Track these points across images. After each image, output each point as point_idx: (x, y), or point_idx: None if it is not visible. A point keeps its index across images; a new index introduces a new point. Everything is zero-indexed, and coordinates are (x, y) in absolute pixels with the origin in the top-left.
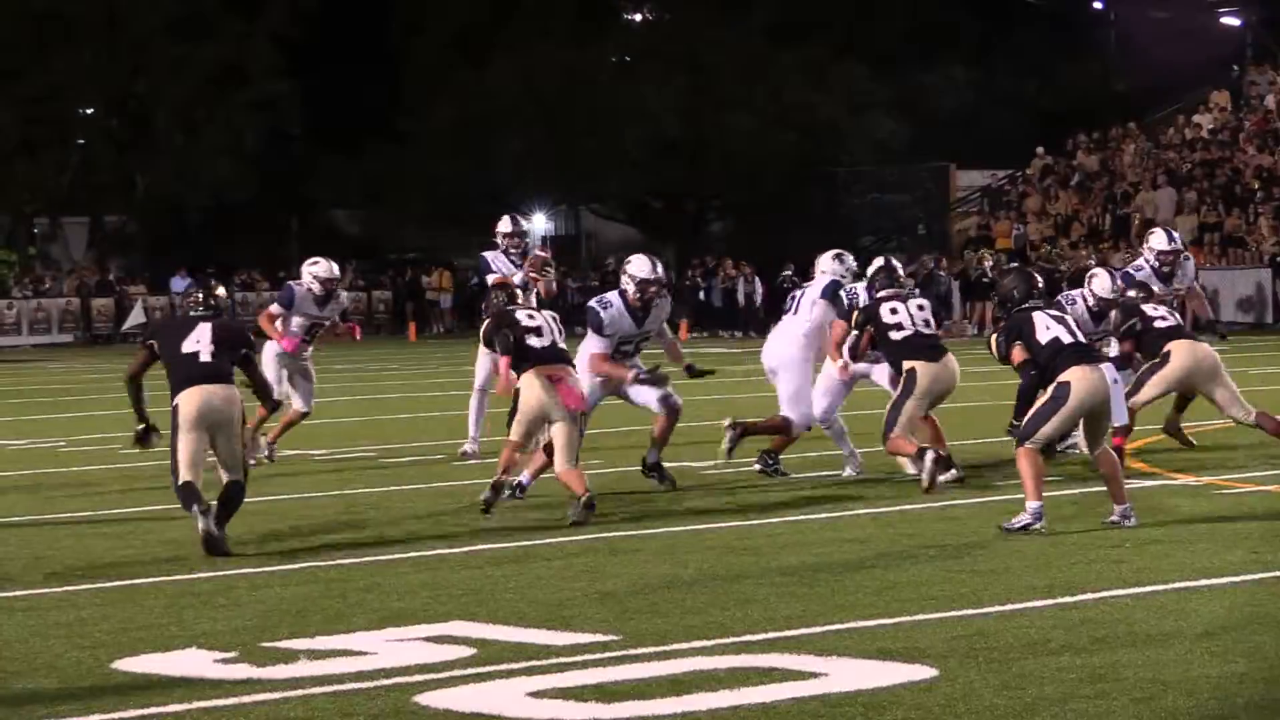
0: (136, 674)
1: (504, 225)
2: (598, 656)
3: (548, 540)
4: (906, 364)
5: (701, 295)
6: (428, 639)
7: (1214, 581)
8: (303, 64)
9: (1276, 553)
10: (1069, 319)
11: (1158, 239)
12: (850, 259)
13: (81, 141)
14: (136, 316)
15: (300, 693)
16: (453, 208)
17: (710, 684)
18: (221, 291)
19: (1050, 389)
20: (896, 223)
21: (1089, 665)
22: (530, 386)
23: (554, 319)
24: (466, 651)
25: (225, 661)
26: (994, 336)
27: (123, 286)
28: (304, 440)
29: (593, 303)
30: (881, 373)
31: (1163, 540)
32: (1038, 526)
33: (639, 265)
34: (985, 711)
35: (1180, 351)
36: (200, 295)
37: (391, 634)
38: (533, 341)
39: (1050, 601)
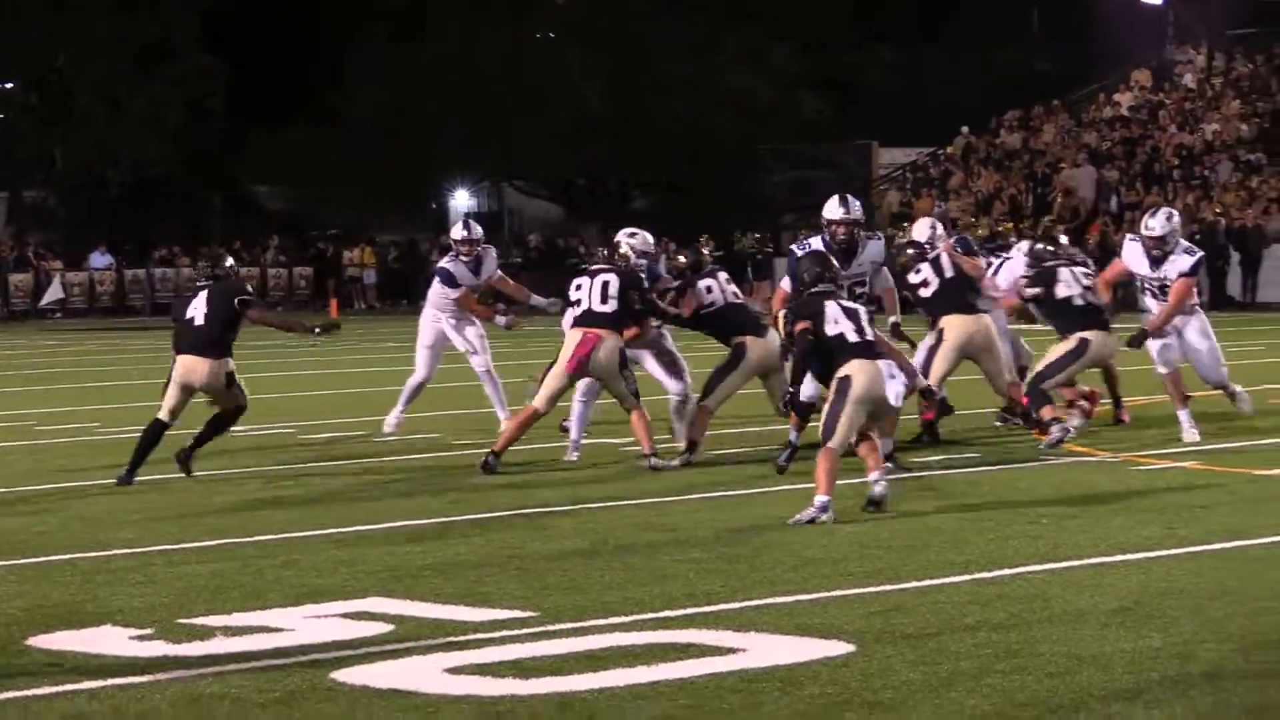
0: (51, 651)
1: (457, 232)
2: (515, 633)
3: (467, 517)
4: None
5: None
6: (345, 615)
7: (1129, 557)
8: (229, 41)
9: (1191, 528)
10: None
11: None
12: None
13: (1, 116)
14: (54, 293)
15: (216, 670)
16: (377, 184)
17: (627, 660)
18: (230, 262)
19: (834, 384)
20: (818, 200)
21: (1005, 640)
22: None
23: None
24: (384, 628)
25: (141, 639)
26: (782, 314)
27: (41, 262)
28: None
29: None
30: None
31: (1079, 516)
32: (824, 519)
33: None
34: (901, 686)
35: (953, 325)
36: (210, 266)
37: (309, 610)
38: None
39: (967, 577)
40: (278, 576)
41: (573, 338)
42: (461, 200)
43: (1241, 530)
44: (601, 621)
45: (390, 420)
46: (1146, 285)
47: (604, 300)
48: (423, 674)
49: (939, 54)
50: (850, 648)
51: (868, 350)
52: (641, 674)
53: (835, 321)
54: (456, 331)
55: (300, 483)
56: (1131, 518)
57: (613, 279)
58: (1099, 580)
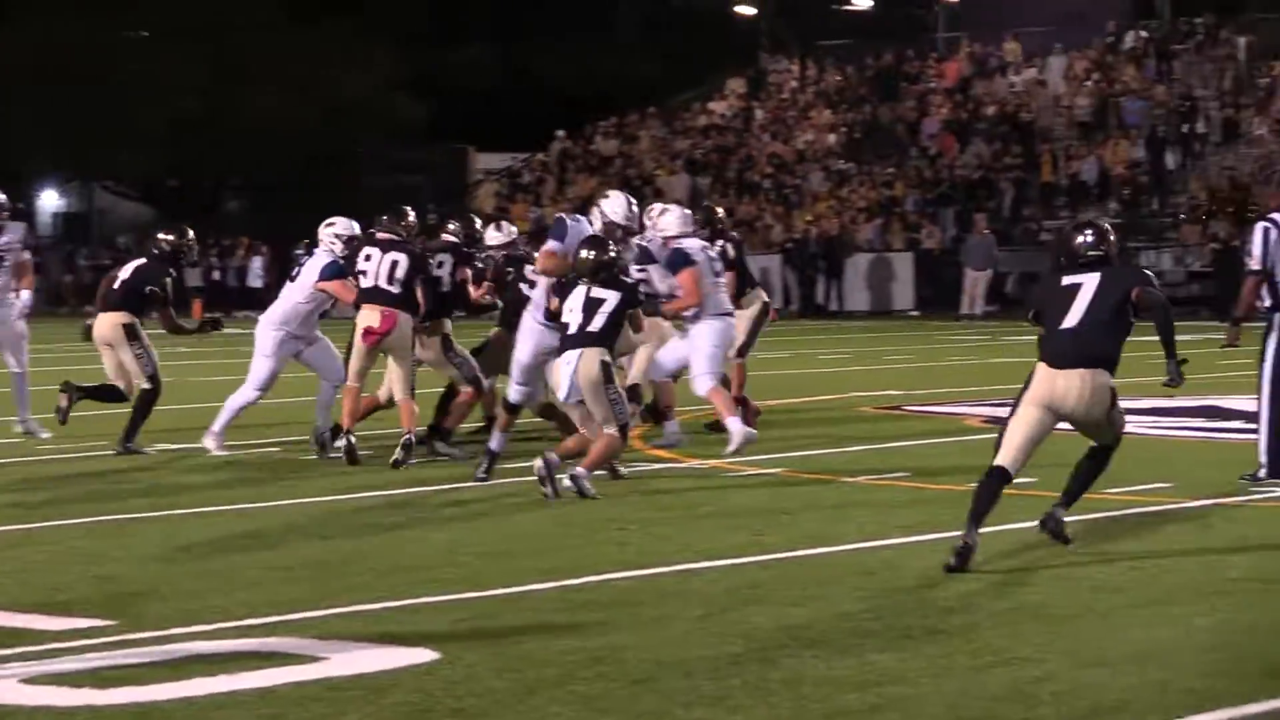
0: None
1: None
2: (94, 642)
3: (46, 524)
4: None
5: (216, 275)
6: None
7: (715, 563)
8: None
9: (777, 534)
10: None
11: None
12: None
13: None
14: None
15: None
16: None
17: (208, 669)
18: (169, 237)
19: None
20: (413, 203)
21: (589, 647)
22: None
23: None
24: None
25: None
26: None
27: None
28: None
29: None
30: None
31: (667, 522)
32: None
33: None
34: (485, 694)
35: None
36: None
37: None
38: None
39: (554, 584)
40: None
41: (369, 316)
42: (50, 200)
43: (825, 537)
44: (183, 630)
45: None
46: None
47: (390, 280)
48: None
49: (534, 57)
50: (435, 655)
51: (580, 340)
52: (223, 683)
53: (570, 310)
54: None
55: None
56: (719, 524)
57: (402, 259)
58: (685, 586)
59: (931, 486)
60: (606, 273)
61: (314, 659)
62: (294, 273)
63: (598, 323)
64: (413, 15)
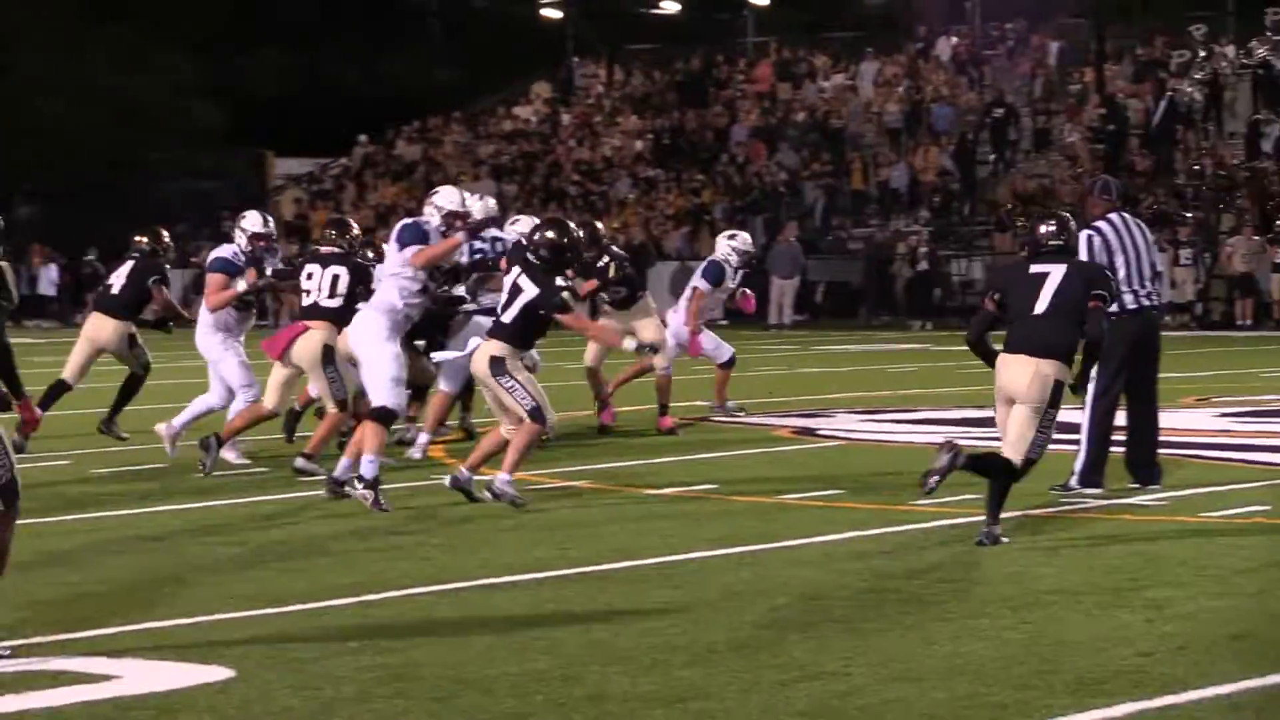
0: None
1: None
2: None
3: None
4: None
5: None
6: None
7: (519, 578)
8: None
9: (582, 548)
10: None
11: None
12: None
13: None
14: None
15: None
16: None
17: None
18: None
19: None
20: (211, 210)
21: (389, 664)
22: None
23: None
24: None
25: None
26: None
27: None
28: None
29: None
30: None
31: (470, 537)
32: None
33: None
34: (281, 713)
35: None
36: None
37: None
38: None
39: (354, 600)
40: None
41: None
42: None
43: (631, 550)
44: None
45: None
46: None
47: (331, 295)
48: None
49: (335, 61)
50: (230, 673)
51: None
52: (9, 703)
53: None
54: None
55: None
56: (523, 538)
57: (343, 273)
58: (487, 601)
59: (738, 499)
60: (566, 258)
61: (105, 678)
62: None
63: (509, 314)
64: (208, 19)
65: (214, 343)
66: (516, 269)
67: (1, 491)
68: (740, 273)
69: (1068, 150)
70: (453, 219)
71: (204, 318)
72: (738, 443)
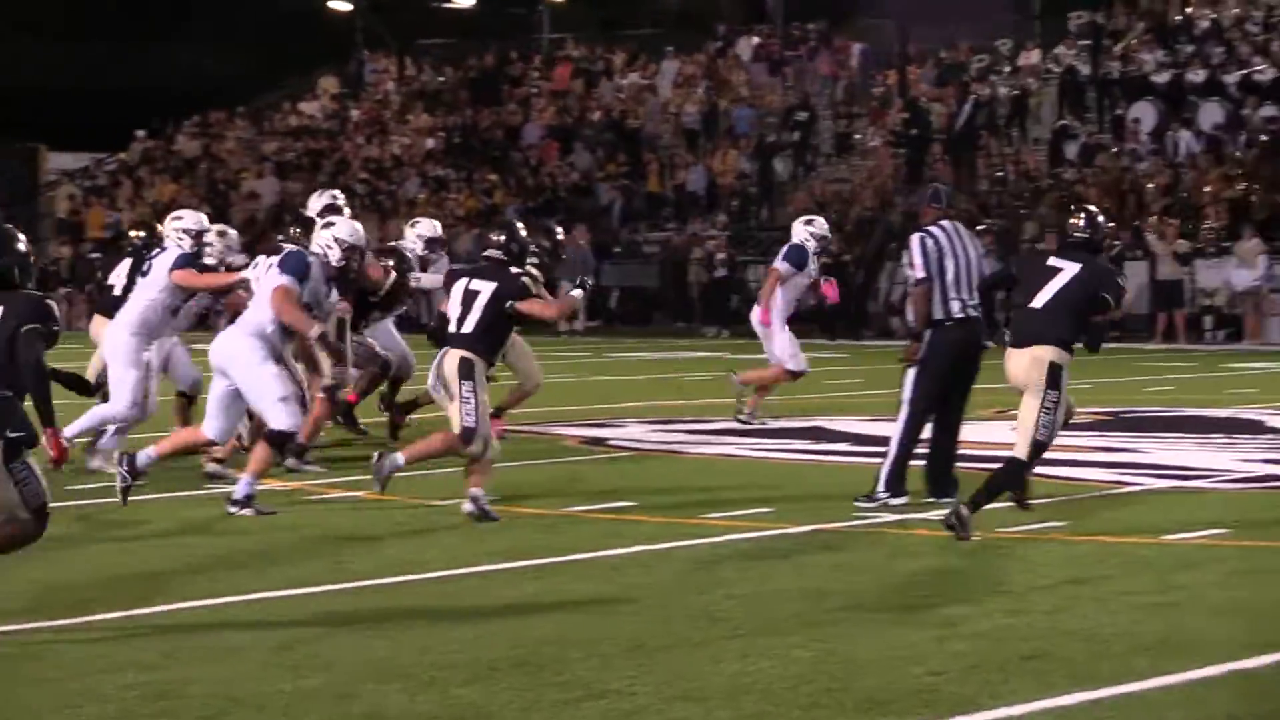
0: None
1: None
2: None
3: None
4: None
5: None
6: None
7: (294, 592)
8: None
9: (362, 561)
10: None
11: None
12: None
13: None
14: None
15: None
16: None
17: None
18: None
19: None
20: None
21: (155, 681)
22: None
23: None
24: None
25: None
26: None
27: None
28: None
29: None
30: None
31: (243, 547)
32: None
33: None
34: None
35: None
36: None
37: None
38: None
39: (121, 614)
40: None
41: None
42: None
43: (411, 564)
44: None
45: None
46: None
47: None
48: None
49: (111, 53)
50: None
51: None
52: None
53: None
54: None
55: None
56: (298, 550)
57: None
58: (260, 617)
59: (524, 510)
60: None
61: None
62: (144, 269)
63: (469, 322)
64: None
65: (128, 343)
66: (464, 280)
67: (34, 513)
68: (819, 259)
69: (870, 155)
70: (353, 252)
71: (126, 318)
72: (525, 454)
